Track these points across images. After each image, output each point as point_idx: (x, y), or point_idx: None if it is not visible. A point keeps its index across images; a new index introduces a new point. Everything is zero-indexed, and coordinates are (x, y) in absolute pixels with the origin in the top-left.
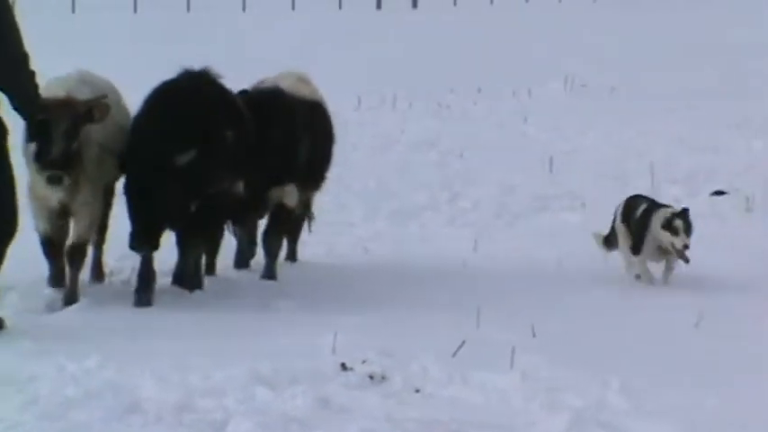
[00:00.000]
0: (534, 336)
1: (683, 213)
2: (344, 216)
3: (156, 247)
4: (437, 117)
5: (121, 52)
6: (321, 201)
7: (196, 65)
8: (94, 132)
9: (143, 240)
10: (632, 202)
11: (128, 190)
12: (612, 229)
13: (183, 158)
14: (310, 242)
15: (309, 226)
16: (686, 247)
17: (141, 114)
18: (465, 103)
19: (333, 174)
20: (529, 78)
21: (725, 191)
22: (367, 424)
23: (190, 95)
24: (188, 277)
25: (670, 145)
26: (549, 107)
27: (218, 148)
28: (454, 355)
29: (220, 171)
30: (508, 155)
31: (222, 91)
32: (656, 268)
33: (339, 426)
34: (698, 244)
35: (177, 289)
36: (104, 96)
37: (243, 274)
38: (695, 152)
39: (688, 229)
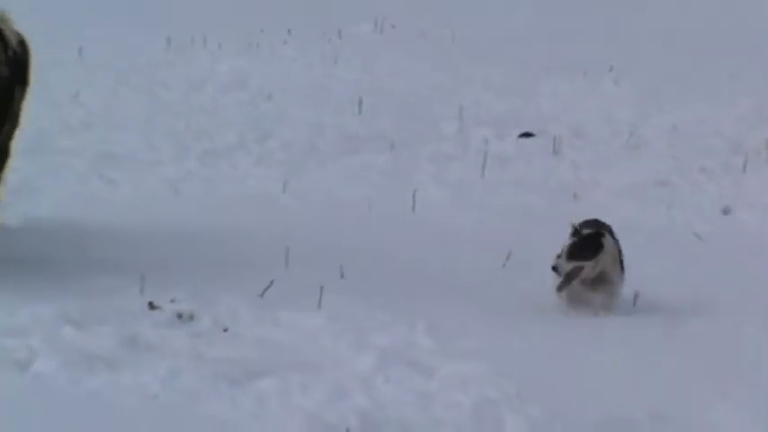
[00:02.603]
0: (342, 276)
1: None
2: (153, 156)
3: None
4: (247, 57)
5: None
6: (127, 140)
7: None
8: None
9: None
10: None
11: None
12: None
13: None
14: (119, 181)
15: None
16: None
17: None
18: (275, 43)
19: (140, 113)
20: (339, 19)
21: (532, 133)
22: (174, 362)
23: None
24: None
25: (479, 87)
26: (360, 49)
27: None
28: (262, 294)
29: None
30: (318, 96)
31: None
32: None
33: (146, 364)
34: (507, 185)
35: None
36: None
37: (54, 215)
38: (503, 95)
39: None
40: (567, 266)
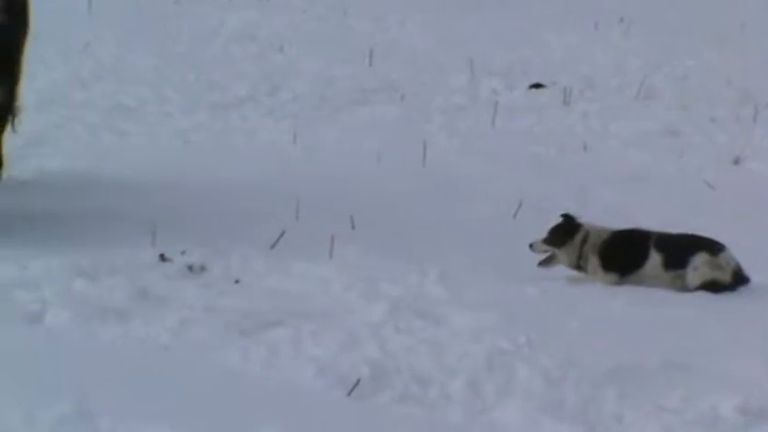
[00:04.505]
0: (353, 227)
1: None
2: (164, 108)
3: None
4: (257, 9)
5: None
6: (138, 92)
7: None
8: None
9: None
10: None
11: None
12: None
13: None
14: (130, 133)
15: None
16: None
17: None
18: None
19: (150, 65)
20: None
21: (543, 84)
22: (186, 314)
23: None
24: None
25: (488, 39)
26: None
27: None
28: (273, 246)
29: None
30: (328, 47)
31: None
32: None
33: (157, 315)
34: (517, 135)
35: None
36: None
37: (67, 168)
38: (513, 46)
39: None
40: (540, 248)
